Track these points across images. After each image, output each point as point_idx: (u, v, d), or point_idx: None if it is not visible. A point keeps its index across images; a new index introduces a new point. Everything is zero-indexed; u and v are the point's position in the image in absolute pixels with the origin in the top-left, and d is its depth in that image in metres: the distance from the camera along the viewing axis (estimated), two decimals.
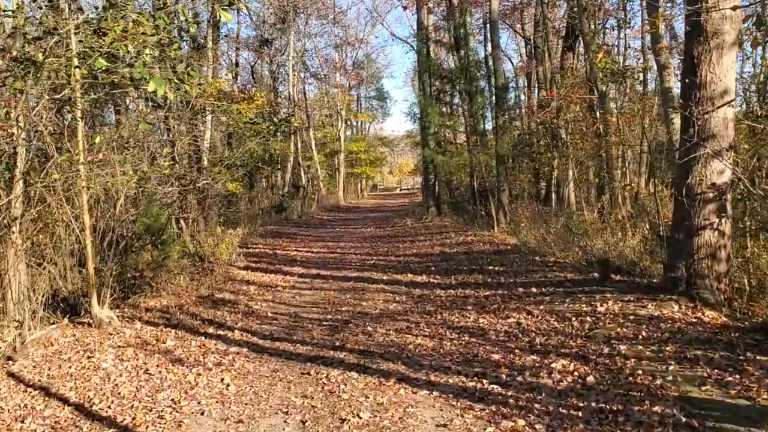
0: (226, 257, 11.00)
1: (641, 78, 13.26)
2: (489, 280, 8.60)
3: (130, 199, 9.87)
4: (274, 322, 7.23)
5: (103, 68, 5.00)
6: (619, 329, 5.63)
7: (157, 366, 5.58)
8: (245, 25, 31.37)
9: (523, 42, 26.60)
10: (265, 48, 27.77)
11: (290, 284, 9.66)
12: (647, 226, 10.59)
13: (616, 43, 16.83)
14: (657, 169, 14.24)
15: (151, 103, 6.69)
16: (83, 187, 6.64)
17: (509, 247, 11.23)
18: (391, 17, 48.27)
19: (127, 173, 8.93)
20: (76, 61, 5.39)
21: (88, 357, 5.89)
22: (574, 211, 15.34)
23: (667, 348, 4.95)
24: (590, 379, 4.56)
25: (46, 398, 4.90)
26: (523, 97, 21.53)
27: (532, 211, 13.66)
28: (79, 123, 6.71)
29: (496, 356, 5.34)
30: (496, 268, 9.35)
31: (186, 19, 5.88)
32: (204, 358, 5.80)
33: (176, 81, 5.18)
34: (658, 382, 4.32)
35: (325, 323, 6.98)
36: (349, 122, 42.71)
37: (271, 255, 13.07)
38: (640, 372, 4.53)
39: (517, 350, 5.44)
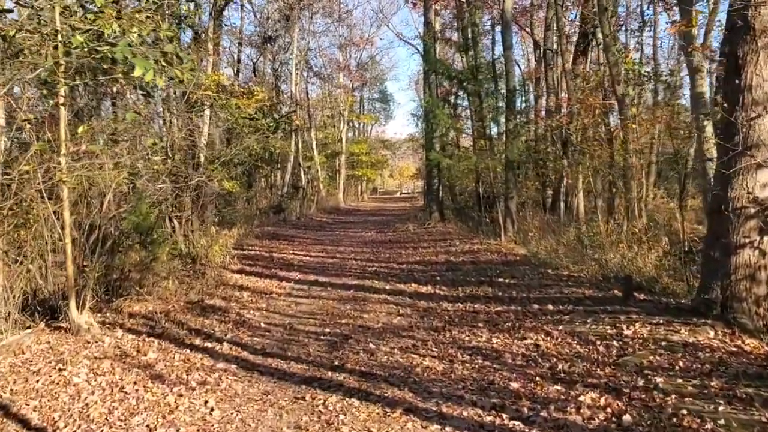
0: (219, 260, 10.40)
1: (669, 82, 12.70)
2: (500, 293, 8.01)
3: (120, 195, 9.30)
4: (267, 334, 6.64)
5: (80, 46, 4.42)
6: (651, 357, 5.04)
7: (135, 383, 4.98)
8: (248, 21, 30.91)
9: (531, 47, 26.08)
10: (268, 45, 27.21)
11: (286, 291, 9.06)
12: (665, 241, 10.03)
13: (633, 47, 16.27)
14: (663, 180, 13.70)
15: (140, 92, 6.12)
16: (63, 181, 6.05)
17: (518, 258, 10.65)
18: (397, 19, 47.76)
19: (119, 167, 8.37)
20: (59, 37, 4.80)
21: (60, 369, 5.29)
22: (584, 222, 14.78)
23: (712, 383, 4.36)
24: (627, 417, 3.98)
25: (4, 420, 4.30)
26: (530, 103, 20.99)
27: (540, 221, 13.08)
28: (61, 110, 6.13)
29: (514, 384, 4.75)
30: (507, 281, 8.77)
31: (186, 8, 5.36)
32: (188, 375, 5.21)
33: (164, 64, 4.61)
34: (709, 426, 3.73)
35: (323, 337, 6.39)
36: (351, 123, 42.15)
37: (267, 258, 12.47)
38: (684, 412, 3.95)
39: (538, 378, 4.85)
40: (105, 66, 5.42)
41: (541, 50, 22.28)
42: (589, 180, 12.18)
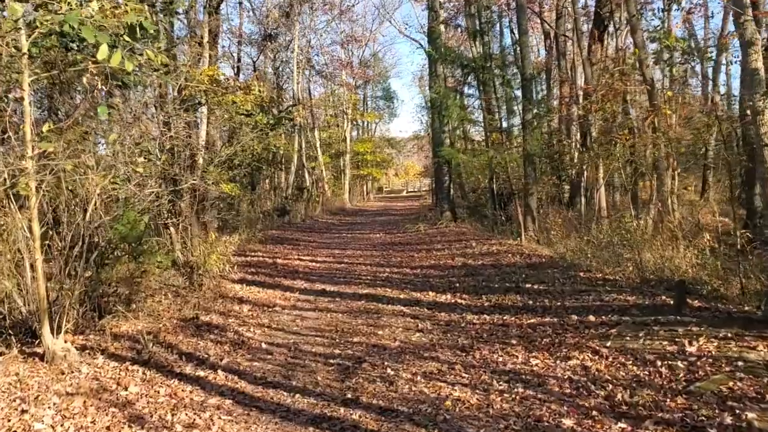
0: (217, 269, 9.56)
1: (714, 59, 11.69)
2: (530, 302, 7.13)
3: (108, 201, 8.49)
4: (269, 357, 5.79)
5: (18, 16, 3.60)
6: (731, 383, 4.16)
7: (108, 429, 4.15)
8: (248, 20, 30.13)
9: (540, 37, 25.13)
10: (269, 43, 26.41)
11: (290, 303, 8.22)
12: (707, 238, 9.11)
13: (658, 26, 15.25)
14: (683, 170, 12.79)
15: (111, 81, 5.29)
16: (26, 186, 5.23)
17: (544, 260, 9.76)
18: (399, 15, 46.72)
19: (100, 170, 7.57)
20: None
21: (23, 411, 4.46)
22: (609, 219, 13.88)
23: None
24: None
25: None
26: (543, 93, 20.05)
27: (563, 218, 12.19)
28: (26, 106, 5.31)
29: (567, 422, 3.89)
30: (536, 287, 7.89)
31: None
32: (173, 416, 4.36)
33: (127, 39, 3.78)
34: None
35: (332, 361, 5.53)
36: (355, 122, 41.30)
37: (271, 265, 11.63)
38: None
39: (594, 412, 3.98)
40: (73, 56, 4.61)
41: (551, 39, 21.37)
42: (615, 173, 11.28)
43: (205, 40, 13.00)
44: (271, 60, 26.82)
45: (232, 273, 10.15)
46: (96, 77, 4.97)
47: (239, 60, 25.52)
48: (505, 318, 6.61)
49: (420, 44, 48.64)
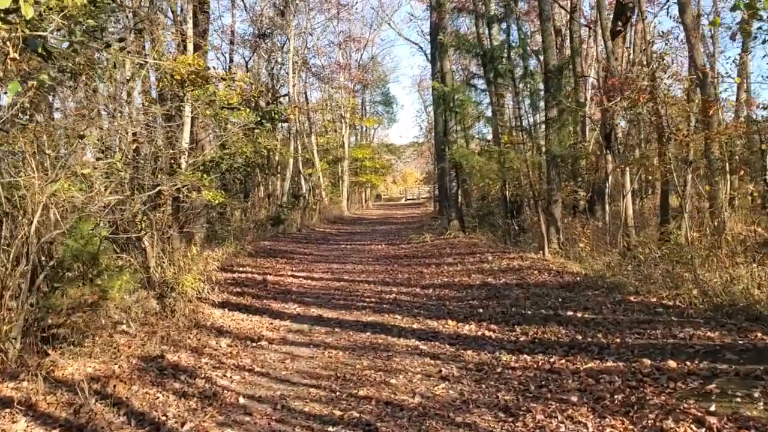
0: (193, 291, 8.11)
1: None
2: (579, 337, 5.69)
3: (65, 212, 7.07)
4: (246, 421, 4.33)
5: None
6: None
7: None
8: (241, 19, 28.82)
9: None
10: (263, 43, 25.06)
11: (280, 335, 6.76)
12: None
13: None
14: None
15: (30, 49, 3.89)
16: None
17: (578, 279, 8.33)
18: (397, 17, 45.61)
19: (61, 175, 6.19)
20: None
21: None
22: (633, 227, 12.49)
23: None
24: None
25: None
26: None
27: (592, 229, 10.79)
28: None
29: None
30: (580, 315, 6.45)
31: None
32: None
33: None
34: None
35: (331, 430, 4.08)
36: (353, 127, 39.95)
37: (260, 283, 10.18)
38: None
39: None
40: None
41: (561, 36, 20.07)
42: (651, 177, 9.88)
43: (189, 29, 11.59)
44: (265, 60, 25.43)
45: (214, 294, 8.69)
46: (7, 42, 3.56)
47: (231, 60, 24.19)
48: (552, 360, 5.16)
49: (420, 47, 47.47)
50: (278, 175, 27.63)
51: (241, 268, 11.88)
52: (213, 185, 12.86)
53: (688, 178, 8.41)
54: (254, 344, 6.39)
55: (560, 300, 7.17)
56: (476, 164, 10.01)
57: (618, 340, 5.41)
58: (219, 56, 24.93)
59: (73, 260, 6.64)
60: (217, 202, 9.35)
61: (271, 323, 7.27)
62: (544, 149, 9.99)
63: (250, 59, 25.55)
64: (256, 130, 9.22)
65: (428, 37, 38.12)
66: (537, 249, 10.76)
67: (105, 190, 6.86)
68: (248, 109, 8.91)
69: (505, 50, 9.71)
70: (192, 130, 12.48)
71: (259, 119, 8.47)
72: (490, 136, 13.91)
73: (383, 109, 46.43)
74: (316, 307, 8.16)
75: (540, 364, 5.11)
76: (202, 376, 5.36)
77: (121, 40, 5.40)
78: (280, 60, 28.43)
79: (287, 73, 27.99)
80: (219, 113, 8.49)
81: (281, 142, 27.38)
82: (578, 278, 8.36)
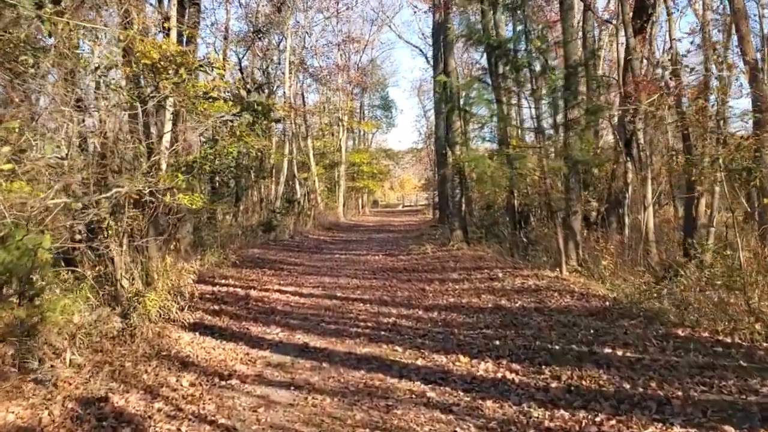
0: (157, 311, 6.94)
1: None
2: (626, 385, 4.54)
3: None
4: None
5: None
6: None
7: None
8: (236, 16, 27.74)
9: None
10: (258, 40, 23.94)
11: (256, 371, 5.59)
12: None
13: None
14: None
15: None
16: None
17: (606, 304, 7.19)
18: (398, 20, 44.55)
19: None
20: None
21: None
22: (654, 241, 11.39)
23: None
24: None
25: None
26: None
27: (616, 244, 9.67)
28: None
29: None
30: (620, 353, 5.30)
31: None
32: None
33: None
34: None
35: None
36: (351, 131, 38.84)
37: (242, 299, 9.02)
38: None
39: None
40: None
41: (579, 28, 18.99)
42: (700, 185, 8.78)
43: (173, 14, 10.48)
44: (260, 58, 24.32)
45: (185, 313, 7.51)
46: None
47: (225, 58, 22.99)
48: (598, 419, 4.01)
49: (420, 50, 46.41)
50: (272, 179, 26.49)
51: (223, 281, 10.72)
52: (190, 187, 11.72)
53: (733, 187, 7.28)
54: (223, 383, 5.22)
55: (592, 331, 6.03)
56: (488, 169, 8.87)
57: (680, 393, 4.27)
58: (212, 53, 23.75)
59: (5, 275, 5.49)
60: (195, 207, 8.17)
61: (248, 354, 6.10)
62: (564, 154, 8.88)
63: (244, 56, 24.42)
64: (236, 124, 8.05)
65: (429, 40, 37.19)
66: (553, 266, 9.62)
67: (49, 190, 5.72)
68: (226, 100, 7.76)
69: (522, 41, 8.63)
70: (174, 127, 11.35)
71: (239, 110, 7.30)
72: (490, 140, 12.69)
73: (382, 114, 45.41)
74: (303, 331, 7.00)
75: (584, 425, 3.96)
76: (151, 431, 4.19)
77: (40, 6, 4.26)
78: (276, 59, 27.37)
79: (283, 73, 26.93)
80: (196, 104, 7.33)
81: (276, 145, 26.29)
82: (606, 303, 7.21)
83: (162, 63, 7.01)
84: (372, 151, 43.58)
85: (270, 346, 6.41)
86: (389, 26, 44.44)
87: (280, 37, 26.80)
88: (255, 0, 24.88)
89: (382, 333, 6.74)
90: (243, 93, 7.91)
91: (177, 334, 6.81)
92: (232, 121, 7.44)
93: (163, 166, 10.51)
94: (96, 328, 6.61)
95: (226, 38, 23.20)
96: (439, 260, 12.61)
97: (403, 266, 12.46)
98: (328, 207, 32.48)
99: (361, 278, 11.12)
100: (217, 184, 18.32)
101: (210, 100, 7.14)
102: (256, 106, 7.35)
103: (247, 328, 7.22)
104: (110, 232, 7.59)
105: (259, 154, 22.51)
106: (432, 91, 33.91)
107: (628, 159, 11.74)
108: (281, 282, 10.82)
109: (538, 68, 9.00)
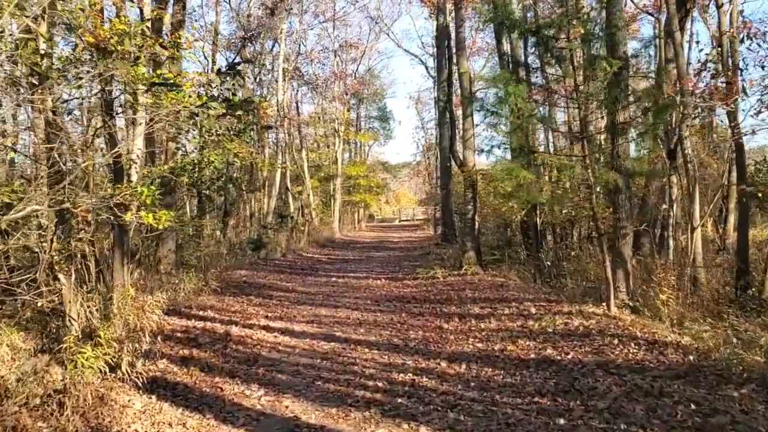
0: (94, 376, 5.23)
1: None
2: None
3: None
4: None
5: None
6: None
7: None
8: (226, 18, 26.19)
9: None
10: (249, 44, 22.39)
11: None
12: None
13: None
14: None
15: None
16: None
17: (690, 358, 5.52)
18: (396, 28, 43.17)
19: None
20: None
21: None
22: (701, 267, 9.81)
23: None
24: None
25: None
26: None
27: (678, 276, 8.04)
28: None
29: None
30: None
31: None
32: None
33: None
34: None
35: None
36: (347, 142, 37.28)
37: (219, 339, 7.33)
38: None
39: None
40: None
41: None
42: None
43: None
44: (251, 60, 22.73)
45: (141, 366, 5.80)
46: None
47: (214, 62, 21.44)
48: None
49: (420, 60, 45.05)
50: (264, 192, 24.86)
51: (200, 312, 9.03)
52: (165, 202, 10.07)
53: None
54: None
55: (693, 408, 4.35)
56: (524, 181, 7.25)
57: None
58: (200, 58, 22.21)
59: None
60: (161, 226, 6.51)
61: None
62: (613, 165, 7.29)
63: (234, 59, 22.78)
64: (202, 118, 6.42)
65: (429, 49, 35.81)
66: (596, 299, 7.99)
67: None
68: (199, 96, 6.13)
69: (565, 26, 7.04)
70: (147, 134, 9.73)
71: (204, 101, 5.66)
72: (493, 143, 10.86)
73: (379, 125, 43.94)
74: (293, 394, 5.30)
75: None
76: None
77: None
78: (268, 65, 25.85)
79: (276, 80, 25.42)
80: (160, 96, 5.68)
81: (269, 157, 24.70)
82: (689, 356, 5.55)
83: (114, 44, 5.36)
84: (369, 164, 42.04)
85: (247, 421, 4.71)
86: (387, 34, 43.12)
87: (273, 42, 25.34)
88: (246, 2, 23.48)
89: (399, 401, 5.04)
90: (213, 77, 6.29)
91: (125, 399, 5.10)
92: (197, 114, 5.80)
93: (134, 178, 8.91)
94: (26, 386, 4.97)
95: (215, 42, 21.64)
96: (452, 288, 10.93)
97: (411, 294, 10.77)
98: (323, 222, 30.81)
99: (363, 310, 9.43)
100: (203, 197, 16.63)
101: (173, 89, 5.49)
102: (231, 96, 5.74)
103: (221, 389, 5.52)
104: (44, 256, 6.00)
105: (249, 165, 20.91)
106: (433, 101, 32.42)
107: (673, 171, 10.15)
108: (269, 315, 9.12)
109: (580, 60, 7.45)
